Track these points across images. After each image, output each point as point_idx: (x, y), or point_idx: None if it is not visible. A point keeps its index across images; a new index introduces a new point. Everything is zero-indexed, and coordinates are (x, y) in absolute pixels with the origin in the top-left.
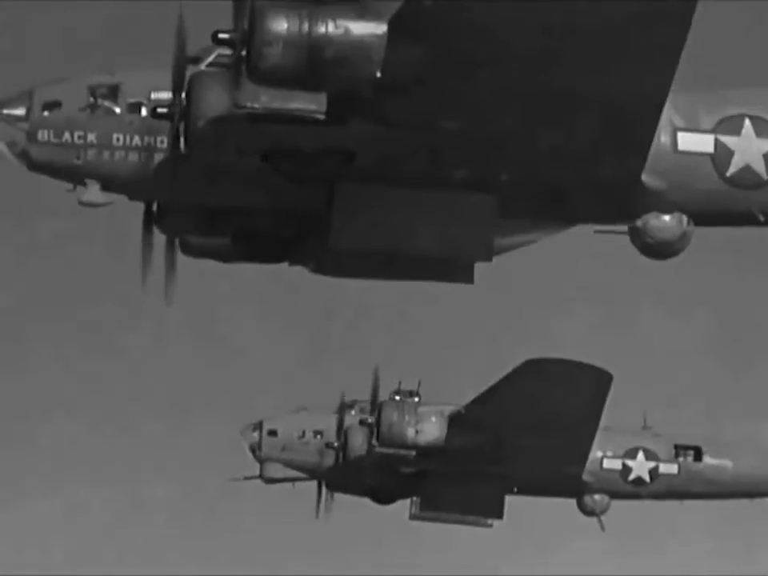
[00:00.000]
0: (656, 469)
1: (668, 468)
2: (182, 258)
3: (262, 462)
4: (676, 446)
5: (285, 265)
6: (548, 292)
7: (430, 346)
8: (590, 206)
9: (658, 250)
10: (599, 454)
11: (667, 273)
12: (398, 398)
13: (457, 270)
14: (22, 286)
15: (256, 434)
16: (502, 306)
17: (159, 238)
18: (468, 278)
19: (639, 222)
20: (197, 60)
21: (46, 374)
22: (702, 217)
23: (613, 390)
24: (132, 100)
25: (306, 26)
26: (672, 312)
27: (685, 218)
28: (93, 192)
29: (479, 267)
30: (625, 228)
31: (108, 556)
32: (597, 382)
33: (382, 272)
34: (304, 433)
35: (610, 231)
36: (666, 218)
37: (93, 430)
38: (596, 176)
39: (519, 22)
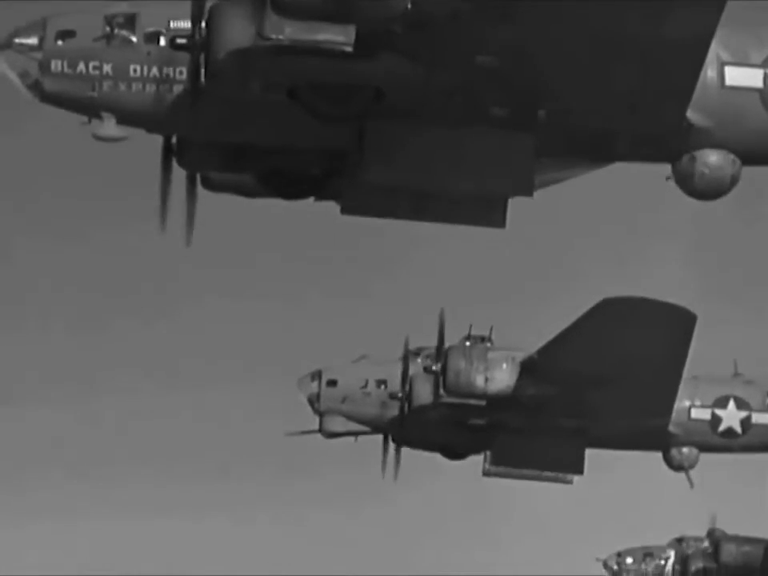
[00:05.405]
0: (748, 419)
1: (761, 418)
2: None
3: (321, 414)
4: None
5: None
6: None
7: (502, 289)
8: (632, 144)
9: (704, 190)
10: (687, 403)
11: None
12: (467, 343)
13: (489, 212)
14: (34, 227)
15: (315, 385)
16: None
17: (179, 173)
18: (499, 221)
19: (684, 161)
20: None
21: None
22: (750, 155)
23: (702, 335)
24: (150, 30)
25: None
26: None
27: (732, 157)
28: (109, 125)
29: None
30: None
31: (164, 507)
32: (680, 322)
33: (411, 212)
34: (366, 383)
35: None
36: (713, 156)
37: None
38: (638, 116)
39: None
